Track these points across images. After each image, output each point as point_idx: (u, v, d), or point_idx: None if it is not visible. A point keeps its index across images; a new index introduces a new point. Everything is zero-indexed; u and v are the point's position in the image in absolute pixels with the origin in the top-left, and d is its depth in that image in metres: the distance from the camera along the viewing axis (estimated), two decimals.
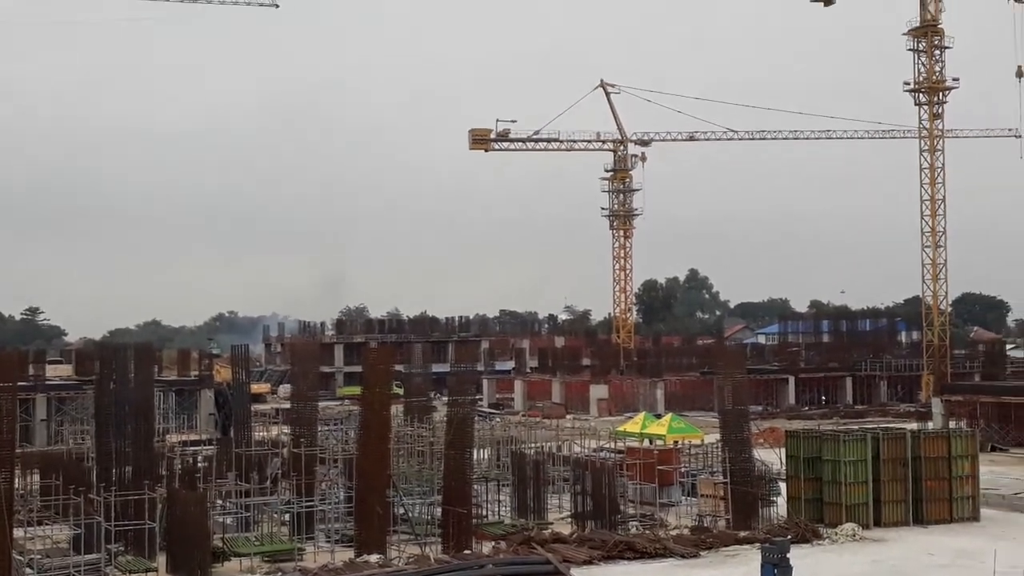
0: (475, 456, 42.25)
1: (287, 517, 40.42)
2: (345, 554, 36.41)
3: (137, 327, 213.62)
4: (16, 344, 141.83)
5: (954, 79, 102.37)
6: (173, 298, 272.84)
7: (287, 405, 62.60)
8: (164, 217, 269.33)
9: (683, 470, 47.99)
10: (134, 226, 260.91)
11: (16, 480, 34.07)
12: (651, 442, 52.83)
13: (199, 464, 44.76)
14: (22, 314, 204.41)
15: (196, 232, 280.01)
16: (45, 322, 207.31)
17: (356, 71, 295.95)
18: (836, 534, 39.43)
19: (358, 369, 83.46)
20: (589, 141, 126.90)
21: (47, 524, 36.83)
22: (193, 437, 62.58)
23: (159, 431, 56.46)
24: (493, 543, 37.99)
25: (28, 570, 33.32)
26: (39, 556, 34.42)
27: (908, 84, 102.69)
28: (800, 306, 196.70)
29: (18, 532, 34.63)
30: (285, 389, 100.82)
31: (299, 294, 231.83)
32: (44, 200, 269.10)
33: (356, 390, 62.98)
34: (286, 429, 48.82)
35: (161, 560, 35.25)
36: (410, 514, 40.28)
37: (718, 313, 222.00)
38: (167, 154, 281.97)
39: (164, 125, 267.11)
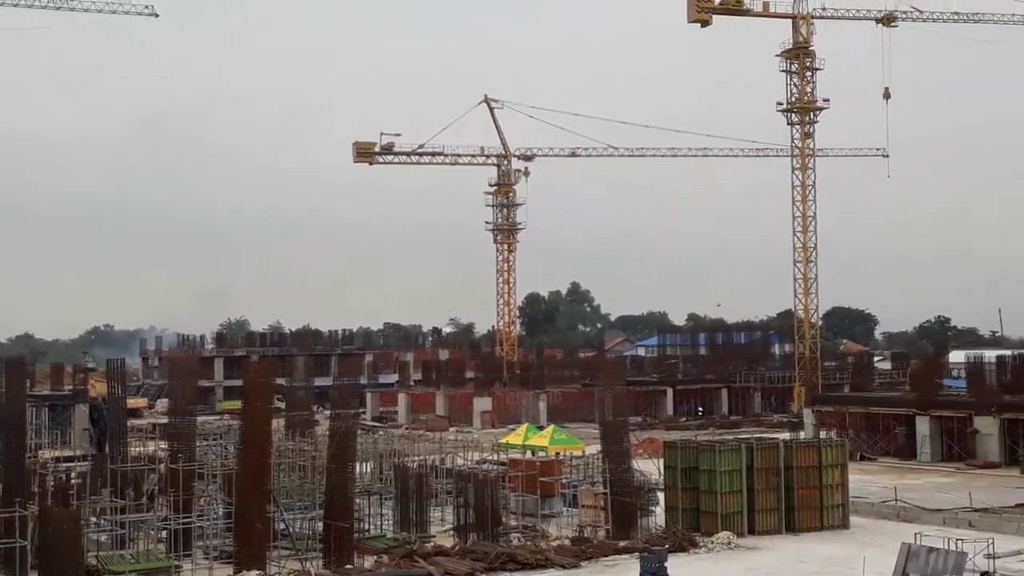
0: (358, 470, 42.14)
1: (164, 534, 39.73)
2: (224, 571, 35.97)
3: (9, 341, 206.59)
4: None
5: (825, 100, 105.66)
6: (46, 311, 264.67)
7: (164, 420, 61.45)
8: (35, 228, 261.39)
9: (564, 481, 48.56)
10: (2, 238, 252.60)
11: None
12: (533, 454, 53.36)
13: (73, 481, 43.68)
14: None
15: (70, 244, 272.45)
16: None
17: (239, 81, 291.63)
18: (712, 543, 40.37)
19: (239, 383, 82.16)
20: (473, 156, 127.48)
21: None
22: (67, 453, 60.99)
23: (31, 447, 54.80)
24: (375, 557, 37.96)
25: None
26: None
27: (781, 104, 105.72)
28: (678, 319, 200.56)
29: None
30: (163, 403, 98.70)
31: (178, 308, 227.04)
32: None
33: (236, 404, 62.15)
34: (163, 444, 47.94)
35: None
36: (291, 529, 39.97)
37: (599, 326, 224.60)
38: (38, 163, 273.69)
39: (32, 133, 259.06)
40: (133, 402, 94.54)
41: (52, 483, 42.99)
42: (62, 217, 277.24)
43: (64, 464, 51.74)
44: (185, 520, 38.82)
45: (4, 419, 38.45)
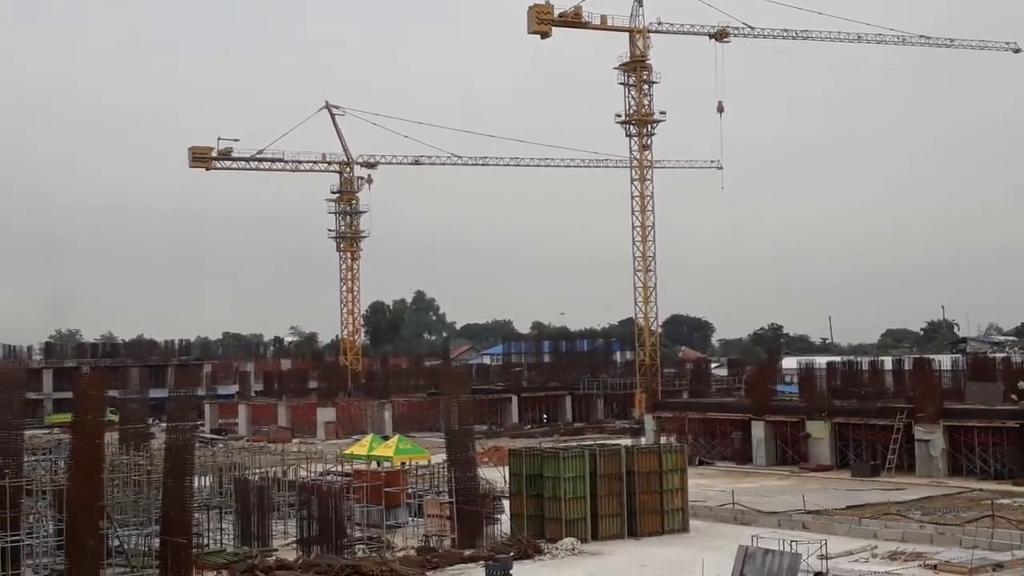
0: (196, 484, 41.04)
1: None
2: None
3: None
4: None
5: (661, 112, 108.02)
6: None
7: None
8: None
9: (410, 491, 48.28)
10: None
11: None
12: (378, 464, 52.89)
13: None
14: None
15: None
16: None
17: (75, 84, 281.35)
18: (556, 549, 40.70)
19: (69, 395, 79.14)
20: (315, 162, 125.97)
21: None
22: None
23: None
24: (215, 572, 37.03)
25: None
26: None
27: (619, 116, 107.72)
28: (523, 327, 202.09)
29: None
30: None
31: (2, 317, 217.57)
32: None
33: (66, 417, 59.81)
34: None
35: None
36: (126, 546, 38.69)
37: (445, 335, 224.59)
38: None
39: None
40: None
41: None
42: None
43: None
44: (13, 539, 37.13)
45: None
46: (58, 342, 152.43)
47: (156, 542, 37.70)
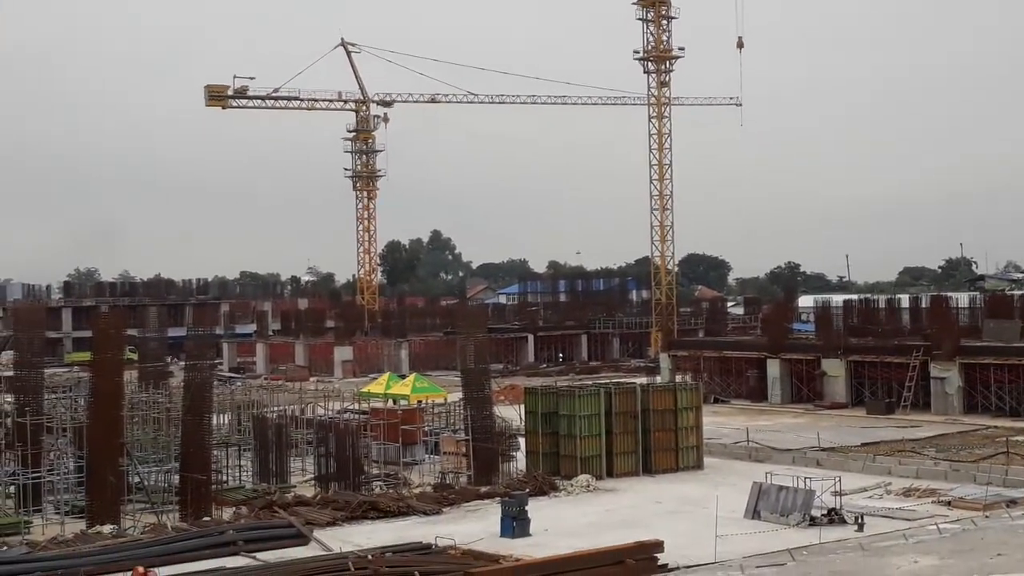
0: (215, 421, 41.40)
1: (12, 489, 38.46)
2: (76, 526, 35.04)
3: None
4: None
5: (680, 49, 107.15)
6: None
7: (10, 372, 59.15)
8: None
9: (426, 429, 48.60)
10: None
11: None
12: (395, 402, 53.19)
13: None
14: None
15: None
16: None
17: (85, 27, 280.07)
18: (572, 486, 40.97)
19: (88, 334, 79.65)
20: (331, 101, 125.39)
21: None
22: None
23: None
24: (234, 509, 37.44)
25: None
26: None
27: (637, 52, 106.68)
28: (539, 267, 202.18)
29: None
30: (7, 356, 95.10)
31: (23, 256, 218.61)
32: None
33: (86, 356, 60.17)
34: (9, 397, 46.22)
35: None
36: (145, 482, 39.13)
37: (461, 274, 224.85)
38: None
39: None
40: None
41: None
42: None
43: None
44: (35, 475, 37.66)
45: None
46: (77, 281, 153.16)
47: (176, 479, 38.12)
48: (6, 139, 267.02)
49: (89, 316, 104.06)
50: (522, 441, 45.77)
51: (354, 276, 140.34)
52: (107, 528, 34.11)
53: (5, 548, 32.48)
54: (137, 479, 38.85)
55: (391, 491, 40.02)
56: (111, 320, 40.99)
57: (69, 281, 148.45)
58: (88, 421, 37.23)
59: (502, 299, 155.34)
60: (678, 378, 70.43)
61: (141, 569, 28.00)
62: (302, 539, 32.47)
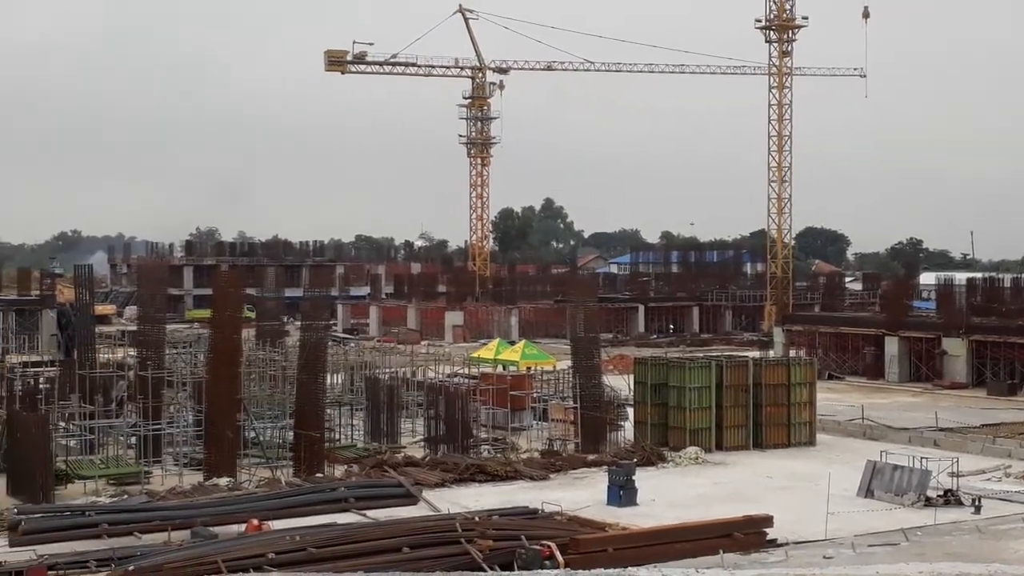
0: (328, 381, 42.13)
1: (133, 440, 39.69)
2: (194, 477, 36.01)
3: None
4: None
5: (803, 17, 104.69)
6: (12, 215, 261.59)
7: (133, 327, 61.00)
8: (3, 131, 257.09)
9: (535, 396, 48.73)
10: None
11: None
12: (504, 368, 53.47)
13: (41, 386, 43.42)
14: None
15: (39, 148, 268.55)
16: None
17: None
18: (680, 457, 40.70)
19: (208, 292, 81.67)
20: (447, 67, 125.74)
21: None
22: (35, 358, 60.59)
23: None
24: (346, 466, 38.09)
25: None
26: None
27: (759, 21, 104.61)
28: (651, 237, 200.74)
29: None
30: (131, 311, 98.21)
31: (147, 217, 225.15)
32: None
33: (206, 313, 61.75)
34: (132, 351, 47.69)
35: (0, 483, 34.27)
36: (261, 438, 40.03)
37: (572, 243, 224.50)
38: (10, 65, 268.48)
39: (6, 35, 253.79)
40: (101, 308, 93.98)
41: (20, 388, 42.75)
42: (32, 121, 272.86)
43: (32, 369, 51.38)
44: (155, 427, 38.78)
45: None
46: (198, 240, 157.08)
47: (290, 435, 38.90)
48: (137, 101, 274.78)
49: (209, 274, 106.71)
50: (630, 411, 45.59)
51: (466, 242, 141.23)
52: (223, 481, 35.00)
53: (126, 497, 33.61)
54: (253, 434, 39.76)
55: (499, 455, 40.27)
56: (230, 279, 41.93)
57: (191, 240, 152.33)
58: (207, 376, 38.16)
59: (613, 269, 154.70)
60: (792, 353, 69.31)
61: (256, 522, 28.71)
62: (411, 499, 32.88)
